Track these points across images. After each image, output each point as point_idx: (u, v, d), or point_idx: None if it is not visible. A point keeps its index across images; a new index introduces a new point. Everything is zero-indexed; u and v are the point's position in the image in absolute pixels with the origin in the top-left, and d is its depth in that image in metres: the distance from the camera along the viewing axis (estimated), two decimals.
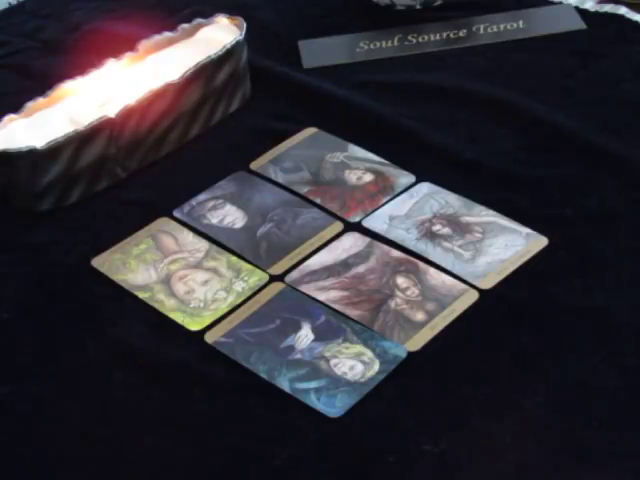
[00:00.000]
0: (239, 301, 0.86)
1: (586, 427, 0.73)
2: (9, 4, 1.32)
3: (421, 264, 0.88)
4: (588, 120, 1.00)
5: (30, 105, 0.99)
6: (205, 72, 1.02)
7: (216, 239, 0.92)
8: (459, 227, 0.91)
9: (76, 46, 1.17)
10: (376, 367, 0.79)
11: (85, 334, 0.84)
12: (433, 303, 0.84)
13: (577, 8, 1.17)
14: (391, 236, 0.91)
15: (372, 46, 1.15)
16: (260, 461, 0.74)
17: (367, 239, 0.91)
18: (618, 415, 0.74)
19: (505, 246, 0.88)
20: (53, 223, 0.96)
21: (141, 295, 0.87)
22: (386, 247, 0.90)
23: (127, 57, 1.05)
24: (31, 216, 0.96)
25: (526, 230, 0.89)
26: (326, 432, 0.75)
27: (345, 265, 0.88)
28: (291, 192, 0.97)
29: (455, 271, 0.86)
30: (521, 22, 1.16)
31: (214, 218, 0.94)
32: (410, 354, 0.80)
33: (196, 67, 1.01)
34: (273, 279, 0.88)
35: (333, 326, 0.83)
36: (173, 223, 0.94)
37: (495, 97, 1.05)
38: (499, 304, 0.83)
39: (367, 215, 0.93)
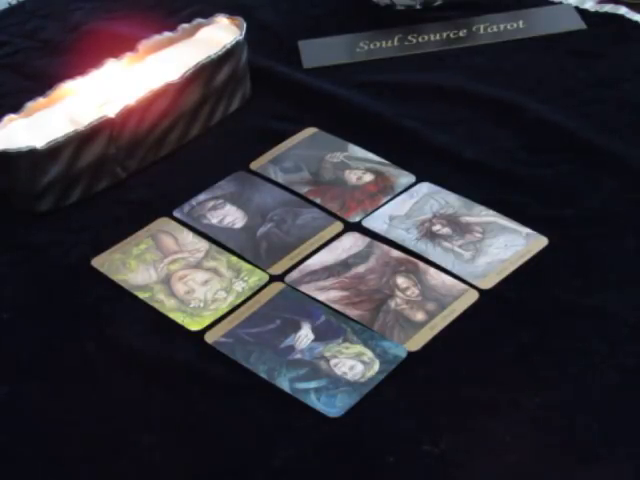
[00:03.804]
0: (239, 301, 0.86)
1: (586, 427, 0.73)
2: (9, 4, 1.32)
3: (421, 264, 0.87)
4: (588, 120, 1.00)
5: (30, 105, 0.99)
6: (205, 72, 1.02)
7: (216, 239, 0.92)
8: (459, 227, 0.91)
9: (76, 46, 1.17)
10: (376, 367, 0.79)
11: (85, 334, 0.84)
12: (433, 303, 0.84)
13: (577, 8, 1.17)
14: (391, 236, 0.91)
15: (372, 46, 1.15)
16: (260, 461, 0.74)
17: (367, 239, 0.91)
18: (618, 415, 0.74)
19: (505, 246, 0.88)
20: (53, 223, 0.96)
21: (141, 295, 0.87)
22: (386, 247, 0.90)
23: (127, 57, 1.05)
24: (31, 216, 0.96)
25: (526, 230, 0.89)
26: (326, 432, 0.75)
27: (345, 265, 0.88)
28: (291, 192, 0.97)
29: (455, 271, 0.86)
30: (521, 22, 1.16)
31: (214, 218, 0.94)
32: (410, 354, 0.80)
33: (196, 67, 1.01)
34: (273, 279, 0.88)
35: (333, 326, 0.83)
36: (173, 223, 0.94)
37: (495, 97, 1.05)
38: (499, 304, 0.83)
39: (367, 215, 0.93)
